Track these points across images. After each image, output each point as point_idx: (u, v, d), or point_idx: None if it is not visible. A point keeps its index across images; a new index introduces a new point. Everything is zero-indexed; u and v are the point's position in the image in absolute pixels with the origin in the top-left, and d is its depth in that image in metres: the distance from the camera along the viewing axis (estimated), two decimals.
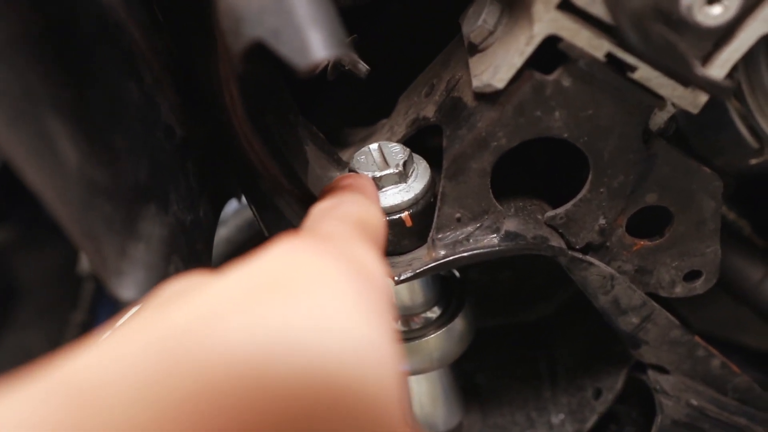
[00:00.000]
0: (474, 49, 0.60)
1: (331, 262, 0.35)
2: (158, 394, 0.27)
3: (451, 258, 0.62)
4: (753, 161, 0.69)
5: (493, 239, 0.63)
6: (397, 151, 0.64)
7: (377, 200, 0.55)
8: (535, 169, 0.72)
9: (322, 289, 0.33)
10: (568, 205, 0.63)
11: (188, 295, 0.32)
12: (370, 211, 0.49)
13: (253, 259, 0.34)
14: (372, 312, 0.33)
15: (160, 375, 0.27)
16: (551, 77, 0.56)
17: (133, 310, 0.33)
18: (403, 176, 0.63)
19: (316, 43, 0.42)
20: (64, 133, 0.43)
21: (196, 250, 0.59)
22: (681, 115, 0.66)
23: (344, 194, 0.52)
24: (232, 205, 0.96)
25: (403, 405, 0.33)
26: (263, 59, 0.50)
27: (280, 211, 0.62)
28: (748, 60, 0.61)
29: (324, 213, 0.47)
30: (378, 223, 0.48)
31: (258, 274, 0.33)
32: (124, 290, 0.46)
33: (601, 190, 0.62)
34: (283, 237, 0.37)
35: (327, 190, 0.54)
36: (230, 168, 0.63)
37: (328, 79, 0.65)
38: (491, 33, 0.59)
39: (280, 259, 0.34)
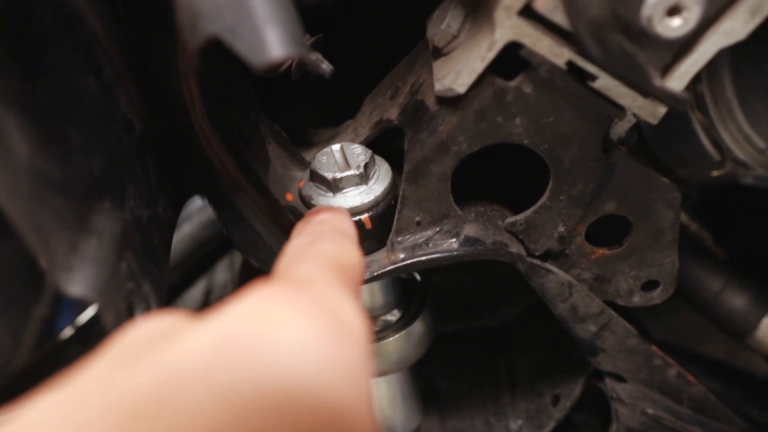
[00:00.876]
0: (438, 53, 0.60)
1: (305, 315, 0.34)
2: None
3: (409, 261, 0.62)
4: (715, 173, 0.69)
5: (453, 244, 0.63)
6: (359, 153, 0.64)
7: (354, 237, 0.54)
8: (496, 175, 0.72)
9: (297, 350, 0.32)
10: (528, 212, 0.63)
11: (151, 353, 0.31)
12: (348, 249, 0.48)
13: (225, 312, 0.33)
14: (348, 365, 0.33)
15: None
16: (512, 83, 0.56)
17: (92, 358, 0.32)
18: (364, 178, 0.63)
19: (272, 41, 0.42)
20: (14, 124, 0.43)
21: (153, 246, 0.58)
22: (644, 125, 0.67)
23: (320, 231, 0.51)
24: (197, 202, 0.95)
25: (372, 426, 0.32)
26: (223, 56, 0.49)
27: (239, 209, 0.62)
28: (712, 72, 0.62)
29: (299, 252, 0.46)
30: (356, 263, 0.47)
31: (230, 330, 0.32)
32: (73, 286, 0.46)
33: (561, 197, 0.62)
34: (257, 286, 0.36)
35: (301, 223, 0.54)
36: (190, 164, 0.62)
37: (292, 78, 0.64)
38: (455, 37, 0.59)
39: (255, 313, 0.33)
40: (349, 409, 0.31)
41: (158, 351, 0.31)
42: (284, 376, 0.30)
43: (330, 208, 0.60)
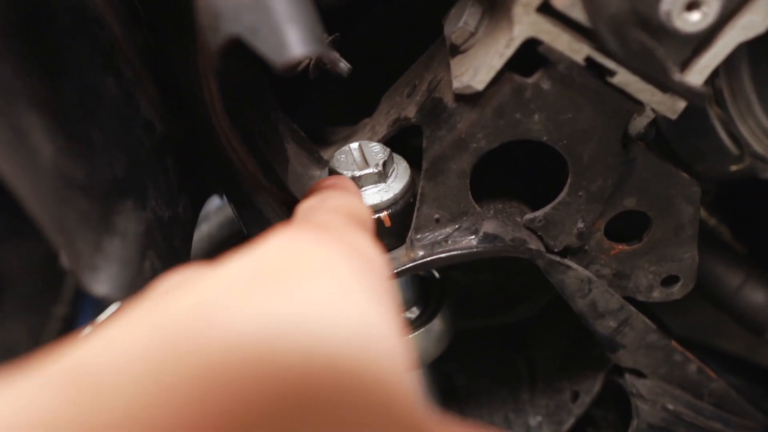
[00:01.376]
0: (455, 50, 0.60)
1: (332, 249, 0.35)
2: (161, 380, 0.26)
3: (429, 259, 0.62)
4: (733, 168, 0.69)
5: (472, 241, 0.63)
6: (377, 151, 0.64)
7: (361, 197, 0.55)
8: (515, 172, 0.72)
9: (325, 274, 0.32)
10: (547, 208, 0.63)
11: (189, 284, 0.31)
12: (357, 203, 0.49)
13: (252, 248, 0.34)
14: (375, 295, 0.33)
15: (163, 361, 0.27)
16: (531, 80, 0.56)
17: (131, 302, 0.32)
18: (382, 176, 0.63)
19: (293, 40, 0.42)
20: (39, 127, 0.43)
21: (174, 246, 0.59)
22: (663, 120, 0.66)
23: (329, 191, 0.52)
24: (215, 202, 0.96)
25: (413, 388, 0.31)
26: (243, 56, 0.50)
27: (259, 209, 0.62)
28: (730, 67, 0.62)
29: (312, 207, 0.47)
30: (367, 214, 0.48)
31: (259, 262, 0.32)
32: (97, 285, 0.46)
33: (580, 193, 0.62)
34: (280, 227, 0.37)
35: (311, 190, 0.54)
36: (210, 164, 0.63)
37: (310, 77, 0.65)
38: (472, 34, 0.59)
39: (280, 246, 0.34)
40: (375, 332, 0.31)
41: (190, 285, 0.31)
42: (313, 307, 0.30)
43: (335, 176, 0.61)
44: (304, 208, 0.48)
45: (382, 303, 0.33)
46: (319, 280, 0.32)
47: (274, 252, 0.33)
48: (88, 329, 0.33)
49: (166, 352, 0.27)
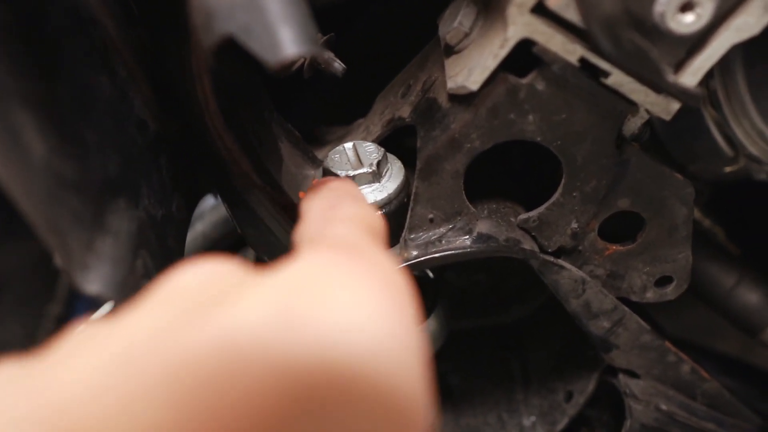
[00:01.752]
0: (450, 51, 0.60)
1: (360, 272, 0.34)
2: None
3: (422, 258, 0.62)
4: (728, 169, 0.69)
5: (466, 241, 0.63)
6: (371, 151, 0.64)
7: (367, 201, 0.54)
8: (509, 172, 0.72)
9: (356, 294, 0.32)
10: (541, 209, 0.63)
11: (209, 311, 0.30)
12: (370, 211, 0.47)
13: (283, 275, 0.33)
14: (403, 315, 0.33)
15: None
16: (525, 81, 0.56)
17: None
18: (376, 176, 0.63)
19: (286, 39, 0.42)
20: (31, 125, 0.43)
21: (167, 246, 0.59)
22: (657, 121, 0.66)
23: (336, 194, 0.51)
24: (209, 201, 0.96)
25: (425, 401, 0.32)
26: (236, 55, 0.49)
27: (253, 208, 0.62)
28: (724, 68, 0.62)
29: (324, 215, 0.46)
30: (379, 222, 0.47)
31: (289, 296, 0.31)
32: (89, 284, 0.46)
33: (574, 194, 0.62)
34: (303, 249, 0.37)
35: (312, 190, 0.53)
36: (204, 164, 0.62)
37: (305, 77, 0.64)
38: (467, 35, 0.59)
39: (308, 270, 0.33)
40: (403, 350, 0.31)
41: (216, 310, 0.30)
42: (347, 351, 0.30)
43: (333, 178, 0.61)
44: (314, 215, 0.46)
45: (404, 317, 0.33)
46: (347, 296, 0.32)
47: (308, 283, 0.32)
48: (81, 326, 0.33)
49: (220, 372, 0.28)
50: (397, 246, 0.64)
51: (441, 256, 0.62)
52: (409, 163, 0.65)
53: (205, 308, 0.30)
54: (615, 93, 0.56)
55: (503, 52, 0.55)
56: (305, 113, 0.84)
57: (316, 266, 0.34)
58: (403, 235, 0.63)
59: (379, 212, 0.63)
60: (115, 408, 0.27)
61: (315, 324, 0.30)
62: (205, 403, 0.27)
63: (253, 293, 0.31)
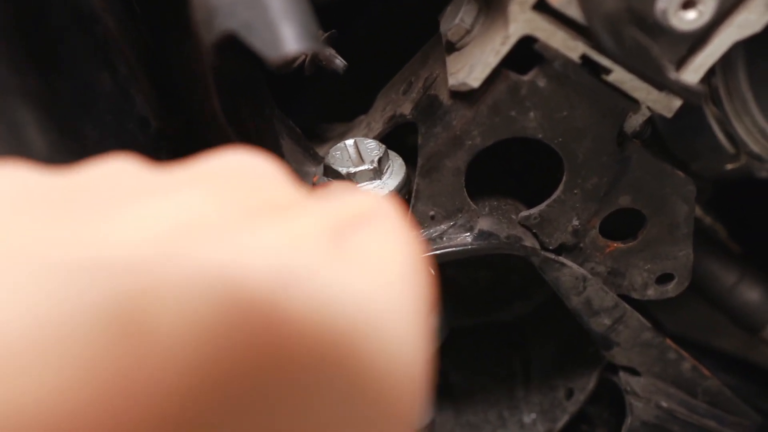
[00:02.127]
0: (451, 48, 0.60)
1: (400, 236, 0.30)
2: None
3: (424, 255, 0.62)
4: (729, 166, 0.69)
5: (467, 238, 0.63)
6: (372, 148, 0.64)
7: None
8: (510, 169, 0.72)
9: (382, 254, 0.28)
10: (542, 206, 0.63)
11: (259, 218, 0.25)
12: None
13: (335, 202, 0.29)
14: (420, 292, 0.31)
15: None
16: (526, 78, 0.56)
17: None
18: (377, 173, 0.63)
19: (287, 36, 0.42)
20: (32, 122, 0.43)
21: None
22: (658, 118, 0.66)
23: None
24: None
25: (419, 391, 0.28)
26: (238, 52, 0.50)
27: None
28: (726, 66, 0.62)
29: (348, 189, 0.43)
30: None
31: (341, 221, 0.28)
32: None
33: (575, 191, 0.62)
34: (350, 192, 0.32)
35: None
36: None
37: (306, 73, 0.64)
38: (468, 32, 0.59)
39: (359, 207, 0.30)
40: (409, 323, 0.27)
41: (266, 220, 0.26)
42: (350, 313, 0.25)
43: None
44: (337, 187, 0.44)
45: (421, 295, 0.31)
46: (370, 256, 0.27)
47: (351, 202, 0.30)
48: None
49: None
50: None
51: (442, 253, 0.63)
52: (410, 161, 0.64)
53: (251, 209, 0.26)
54: (616, 90, 0.56)
55: (505, 49, 0.55)
56: (306, 110, 0.84)
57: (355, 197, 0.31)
58: None
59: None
60: None
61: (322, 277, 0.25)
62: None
63: (302, 215, 0.27)
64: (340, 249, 0.27)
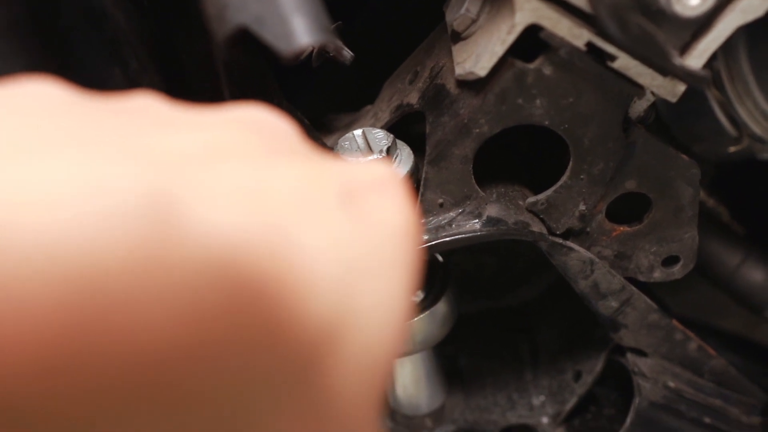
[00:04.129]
0: (457, 37, 0.61)
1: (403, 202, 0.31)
2: None
3: (433, 242, 0.63)
4: (732, 149, 0.70)
5: (475, 224, 0.64)
6: (380, 137, 0.65)
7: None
8: (517, 156, 0.73)
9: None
10: (549, 192, 0.64)
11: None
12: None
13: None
14: (408, 267, 0.29)
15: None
16: (532, 65, 0.57)
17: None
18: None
19: (299, 29, 0.43)
20: None
21: None
22: (661, 103, 0.67)
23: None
24: None
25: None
26: (248, 45, 0.50)
27: None
28: (728, 49, 0.63)
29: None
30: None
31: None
32: None
33: (582, 176, 0.62)
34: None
35: None
36: None
37: (313, 65, 0.65)
38: (474, 21, 0.59)
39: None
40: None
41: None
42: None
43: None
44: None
45: (409, 264, 0.29)
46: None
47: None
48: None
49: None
50: None
51: (451, 240, 0.63)
52: (417, 149, 0.65)
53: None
54: (622, 76, 0.57)
55: (511, 38, 0.55)
56: (313, 100, 0.85)
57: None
58: None
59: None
60: None
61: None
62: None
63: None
64: (346, 206, 0.27)
